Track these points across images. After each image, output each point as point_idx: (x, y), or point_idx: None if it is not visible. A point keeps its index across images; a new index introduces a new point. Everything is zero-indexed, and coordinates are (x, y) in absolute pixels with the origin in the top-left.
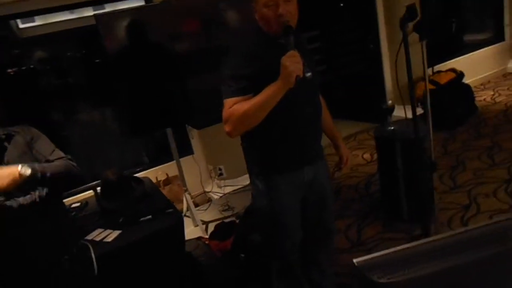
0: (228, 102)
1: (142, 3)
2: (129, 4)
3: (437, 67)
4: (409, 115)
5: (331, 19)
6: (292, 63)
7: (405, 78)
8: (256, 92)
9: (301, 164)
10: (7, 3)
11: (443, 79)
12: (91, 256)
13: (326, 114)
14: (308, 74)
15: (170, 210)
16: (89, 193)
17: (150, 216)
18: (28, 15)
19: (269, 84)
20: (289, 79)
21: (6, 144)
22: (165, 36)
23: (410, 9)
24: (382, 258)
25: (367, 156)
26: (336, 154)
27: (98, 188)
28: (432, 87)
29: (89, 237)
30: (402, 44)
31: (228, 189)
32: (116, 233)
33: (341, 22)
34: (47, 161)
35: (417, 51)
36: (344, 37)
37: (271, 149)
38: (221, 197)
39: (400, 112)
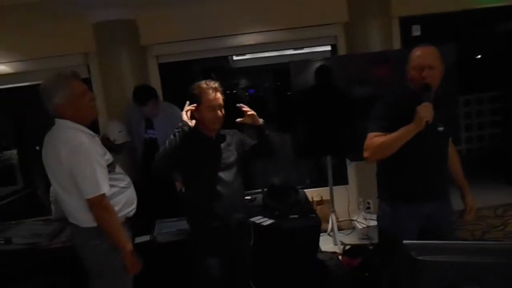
0: (370, 135)
1: (329, 48)
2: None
3: None
4: None
5: None
6: (424, 111)
7: None
8: (393, 131)
9: (421, 198)
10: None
11: None
12: (251, 231)
13: (456, 165)
14: (440, 129)
15: (313, 215)
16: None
17: (297, 216)
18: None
19: (404, 126)
20: (420, 122)
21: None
22: (343, 80)
23: None
24: (427, 244)
25: None
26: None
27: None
28: None
29: (252, 219)
30: None
31: (372, 223)
32: (270, 221)
33: None
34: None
35: None
36: None
37: (397, 178)
38: (364, 228)
39: None
